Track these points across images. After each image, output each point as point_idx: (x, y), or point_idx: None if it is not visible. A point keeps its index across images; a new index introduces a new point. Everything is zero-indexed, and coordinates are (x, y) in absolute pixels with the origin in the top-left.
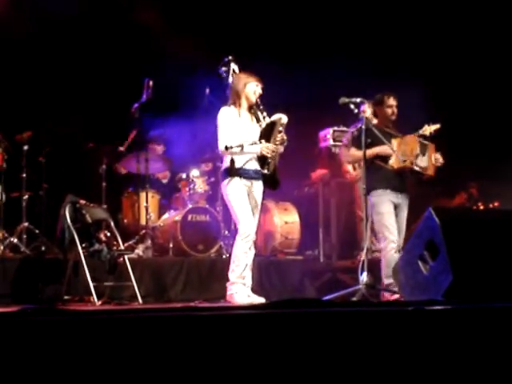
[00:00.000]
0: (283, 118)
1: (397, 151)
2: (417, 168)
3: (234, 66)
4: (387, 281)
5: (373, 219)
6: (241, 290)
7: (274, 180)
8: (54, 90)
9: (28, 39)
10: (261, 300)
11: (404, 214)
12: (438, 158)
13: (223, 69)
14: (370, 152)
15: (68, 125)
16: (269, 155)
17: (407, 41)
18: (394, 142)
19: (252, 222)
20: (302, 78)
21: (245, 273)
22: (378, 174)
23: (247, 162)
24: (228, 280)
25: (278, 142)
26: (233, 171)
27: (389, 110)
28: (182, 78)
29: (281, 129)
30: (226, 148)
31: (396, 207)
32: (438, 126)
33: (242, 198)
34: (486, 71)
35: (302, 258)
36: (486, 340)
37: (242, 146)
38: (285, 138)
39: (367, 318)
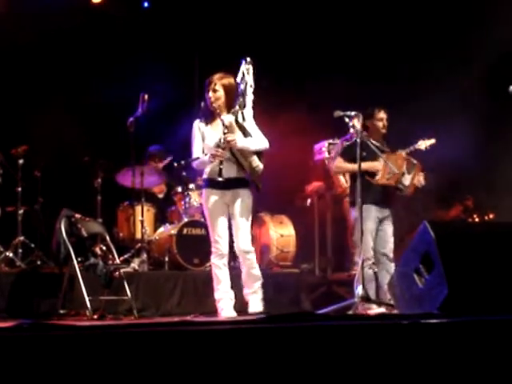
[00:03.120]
0: (224, 120)
1: (384, 168)
2: (400, 185)
3: (244, 68)
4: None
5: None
6: (229, 305)
7: (252, 181)
8: (50, 104)
9: (23, 52)
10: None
11: (389, 227)
12: (420, 180)
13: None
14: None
15: (63, 138)
16: (216, 160)
17: (404, 56)
18: (382, 158)
19: (223, 238)
20: (297, 90)
21: (228, 288)
22: (364, 188)
23: (215, 170)
24: (215, 299)
25: (221, 145)
26: (205, 182)
27: (380, 124)
28: (176, 91)
29: (226, 131)
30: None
31: (381, 221)
32: (432, 141)
33: (212, 213)
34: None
35: (297, 270)
36: (482, 353)
37: (198, 157)
38: (223, 139)
39: (362, 331)
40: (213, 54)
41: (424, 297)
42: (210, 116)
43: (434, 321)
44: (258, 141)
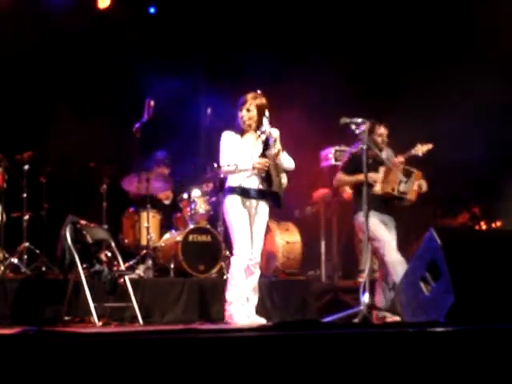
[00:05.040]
0: (272, 133)
1: (383, 178)
2: (399, 194)
3: None
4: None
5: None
6: (239, 310)
7: (277, 197)
8: (55, 110)
9: (28, 58)
10: (261, 321)
11: (392, 232)
12: (421, 185)
13: None
14: (355, 179)
15: (69, 144)
16: (261, 170)
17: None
18: (382, 169)
19: (247, 242)
20: (303, 97)
21: (242, 292)
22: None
23: (245, 180)
24: (225, 300)
25: (268, 156)
26: (232, 189)
27: (379, 139)
28: (184, 97)
29: (271, 143)
30: (219, 167)
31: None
32: (430, 146)
33: (240, 217)
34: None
35: (303, 278)
36: (488, 362)
37: (236, 165)
38: (273, 151)
39: (368, 340)
40: (219, 57)
41: (430, 305)
42: (240, 130)
43: (441, 329)
44: (289, 159)
